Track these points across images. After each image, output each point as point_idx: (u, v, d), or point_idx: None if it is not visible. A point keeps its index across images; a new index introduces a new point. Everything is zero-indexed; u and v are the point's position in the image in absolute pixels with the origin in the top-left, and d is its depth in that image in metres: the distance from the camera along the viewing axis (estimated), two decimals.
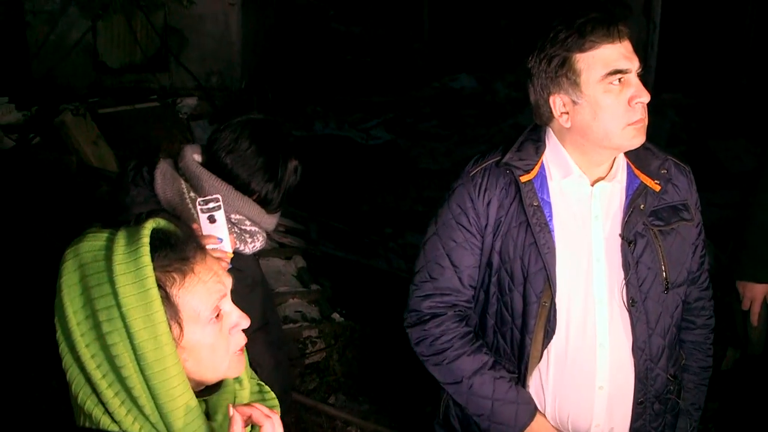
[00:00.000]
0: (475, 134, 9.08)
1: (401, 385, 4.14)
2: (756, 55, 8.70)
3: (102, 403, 1.21)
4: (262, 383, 1.49)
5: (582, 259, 1.95)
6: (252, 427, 1.31)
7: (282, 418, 1.33)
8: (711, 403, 2.22)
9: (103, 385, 1.20)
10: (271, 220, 2.10)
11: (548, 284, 1.93)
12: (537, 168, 1.96)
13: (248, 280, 2.06)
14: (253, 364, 1.56)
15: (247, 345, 1.37)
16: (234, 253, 1.87)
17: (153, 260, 1.21)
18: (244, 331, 1.34)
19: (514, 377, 2.02)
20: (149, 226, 1.24)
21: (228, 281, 1.32)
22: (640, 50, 1.89)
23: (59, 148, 6.26)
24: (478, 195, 1.99)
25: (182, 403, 1.22)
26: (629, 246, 1.94)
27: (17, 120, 7.02)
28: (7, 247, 4.60)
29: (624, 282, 1.94)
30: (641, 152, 1.99)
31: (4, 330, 3.97)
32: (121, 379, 1.19)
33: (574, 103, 1.87)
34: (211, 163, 2.02)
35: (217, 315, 1.29)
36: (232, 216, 2.01)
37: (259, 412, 1.28)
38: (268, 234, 2.13)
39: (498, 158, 2.00)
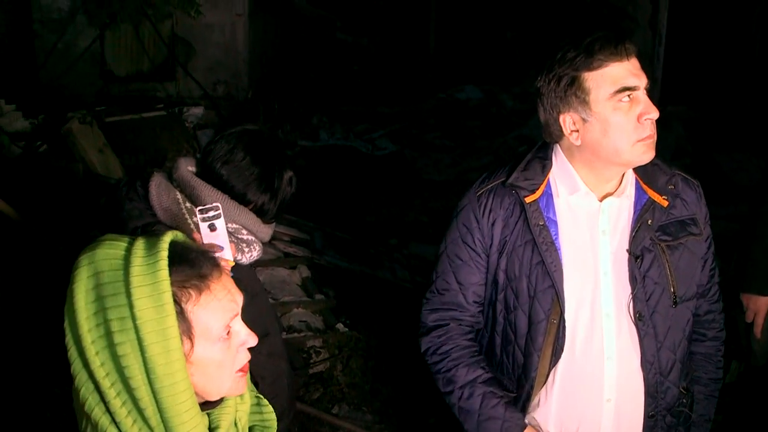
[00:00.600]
0: (480, 145, 9.10)
1: (405, 395, 4.14)
2: (762, 68, 8.71)
3: (109, 412, 1.21)
4: (261, 397, 1.49)
5: (589, 273, 1.97)
6: (251, 428, 1.31)
7: (285, 429, 1.33)
8: (716, 416, 2.21)
9: (111, 394, 1.20)
10: (267, 230, 2.10)
11: (557, 301, 1.95)
12: (542, 187, 1.99)
13: (247, 290, 2.05)
14: (255, 376, 1.56)
15: None
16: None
17: (170, 274, 1.21)
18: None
19: (511, 396, 2.04)
20: (167, 239, 1.25)
21: (240, 299, 1.32)
22: (645, 63, 1.90)
23: (66, 156, 6.28)
24: (483, 215, 2.03)
25: (189, 418, 1.22)
26: (636, 261, 1.95)
27: (24, 128, 7.05)
28: (14, 254, 4.61)
29: (631, 296, 1.95)
30: (649, 168, 2.00)
31: (10, 337, 3.97)
32: (129, 390, 1.20)
33: (584, 121, 1.89)
34: (206, 175, 2.02)
35: (227, 333, 1.29)
36: (229, 225, 1.99)
37: None
38: (272, 244, 2.13)
39: (503, 179, 2.03)
